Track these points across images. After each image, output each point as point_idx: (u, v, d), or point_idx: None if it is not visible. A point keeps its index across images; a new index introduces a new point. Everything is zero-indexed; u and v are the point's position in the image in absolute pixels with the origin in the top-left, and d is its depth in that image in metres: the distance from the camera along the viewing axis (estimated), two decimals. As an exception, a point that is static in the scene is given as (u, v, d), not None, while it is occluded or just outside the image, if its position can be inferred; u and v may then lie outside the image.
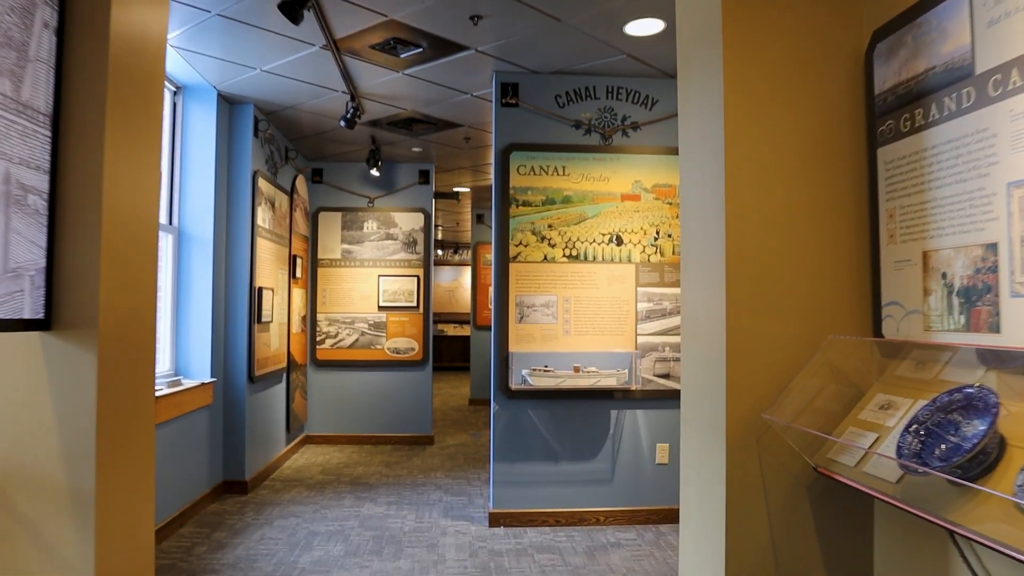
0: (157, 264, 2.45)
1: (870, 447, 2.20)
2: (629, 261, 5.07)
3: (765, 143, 2.50)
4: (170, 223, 5.49)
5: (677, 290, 5.10)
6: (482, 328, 11.47)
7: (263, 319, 6.14)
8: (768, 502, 2.55)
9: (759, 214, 2.50)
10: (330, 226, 8.12)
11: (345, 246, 8.12)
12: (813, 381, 2.56)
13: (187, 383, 5.19)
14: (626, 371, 4.91)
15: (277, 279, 6.69)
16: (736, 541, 2.46)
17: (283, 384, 7.09)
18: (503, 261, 4.97)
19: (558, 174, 5.04)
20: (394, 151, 7.63)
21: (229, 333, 5.86)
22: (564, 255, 5.01)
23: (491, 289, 4.97)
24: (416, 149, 7.55)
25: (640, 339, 5.06)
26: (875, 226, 2.50)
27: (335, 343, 8.05)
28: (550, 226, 5.01)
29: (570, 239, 5.02)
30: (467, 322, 15.44)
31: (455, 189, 9.53)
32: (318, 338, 8.04)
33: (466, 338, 15.26)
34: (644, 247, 5.09)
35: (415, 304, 8.12)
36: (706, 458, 2.64)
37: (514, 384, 4.85)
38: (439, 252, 17.32)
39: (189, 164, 5.58)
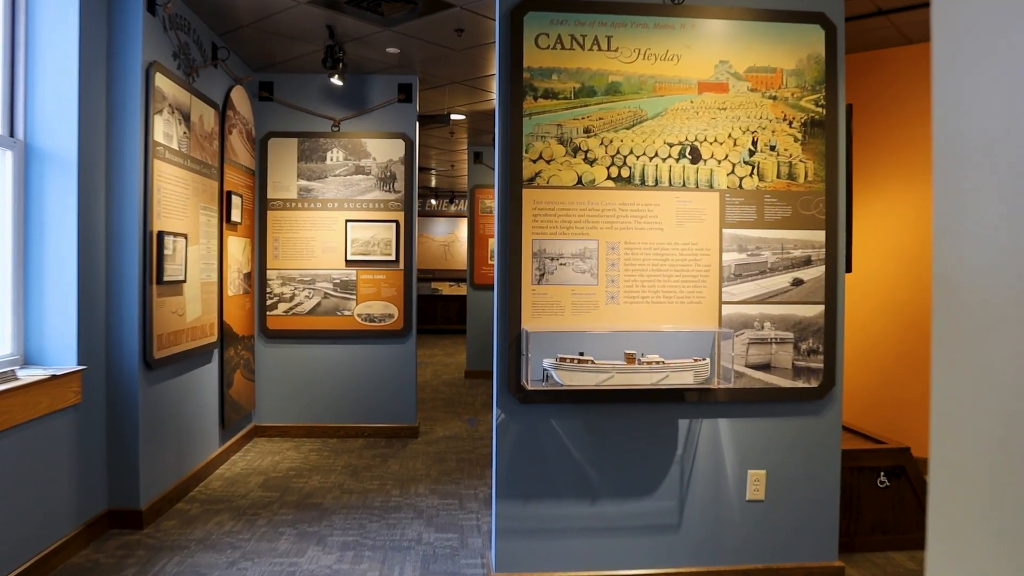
0: None
1: None
2: (710, 187, 3.23)
3: None
4: (10, 134, 3.63)
5: (784, 233, 3.27)
6: (480, 288, 9.66)
7: (168, 278, 4.31)
8: None
9: None
10: (283, 156, 6.25)
11: (303, 182, 6.25)
12: None
13: (28, 376, 3.39)
14: (706, 360, 3.10)
15: (197, 223, 4.84)
16: None
17: (213, 364, 5.28)
18: (513, 185, 3.13)
19: (600, 49, 3.18)
20: (363, 55, 5.72)
21: (112, 299, 4.04)
22: (609, 176, 3.17)
23: (493, 237, 3.11)
24: (392, 50, 5.64)
25: (726, 310, 3.24)
26: None
27: (291, 308, 6.23)
28: (587, 131, 3.16)
29: (619, 152, 3.18)
30: (464, 280, 13.64)
31: (450, 116, 7.63)
32: (268, 302, 6.22)
33: (464, 298, 13.45)
34: (734, 166, 3.24)
35: (393, 258, 6.28)
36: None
37: (530, 381, 3.04)
38: (432, 202, 15.43)
39: (40, 49, 3.70)
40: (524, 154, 3.13)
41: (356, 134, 6.28)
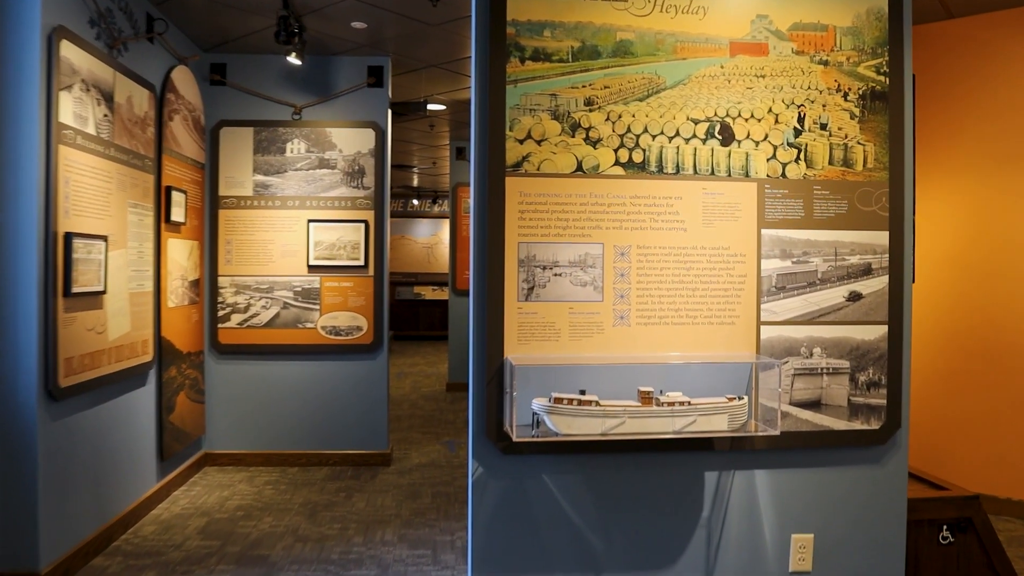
0: None
1: None
2: (746, 176, 2.53)
3: None
4: None
5: (838, 234, 2.58)
6: (463, 293, 8.97)
7: (80, 288, 3.57)
8: None
9: None
10: (237, 148, 5.51)
11: (259, 177, 5.52)
12: None
13: None
14: (743, 400, 2.40)
15: (125, 223, 4.11)
16: None
17: (149, 387, 4.54)
18: (493, 173, 2.42)
19: (605, -2, 2.48)
20: (326, 31, 5.00)
21: (3, 316, 3.30)
22: (618, 162, 2.47)
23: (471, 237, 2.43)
24: (358, 25, 4.92)
25: (765, 332, 2.54)
26: None
27: (245, 320, 5.49)
28: (589, 103, 2.45)
29: (630, 130, 2.47)
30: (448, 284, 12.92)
31: (427, 104, 6.90)
32: (220, 313, 5.48)
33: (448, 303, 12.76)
34: (775, 148, 2.55)
35: (362, 262, 5.55)
36: None
37: (515, 427, 2.32)
38: (415, 202, 14.70)
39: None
40: (507, 132, 2.41)
41: (320, 123, 5.56)
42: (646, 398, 2.32)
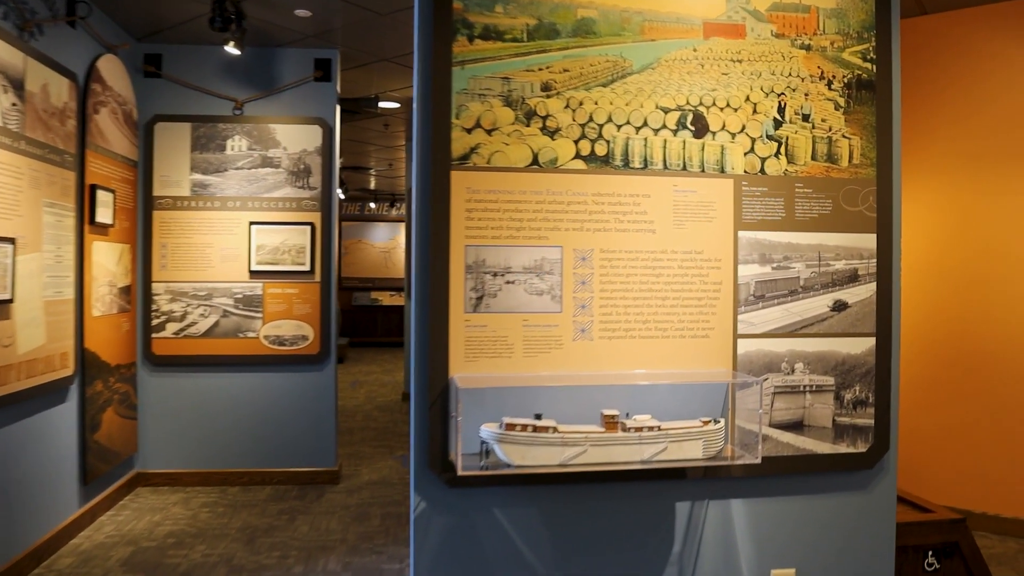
0: None
1: None
2: (721, 171, 2.27)
3: None
4: None
5: (822, 237, 2.33)
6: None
7: (-21, 297, 3.20)
8: None
9: None
10: (173, 144, 5.13)
11: (197, 176, 5.14)
12: None
13: None
14: (719, 424, 2.13)
15: (39, 224, 3.72)
16: None
17: (70, 404, 4.15)
18: (437, 166, 2.11)
19: (563, -29, 2.20)
20: (268, 19, 4.66)
21: None
22: (578, 155, 2.18)
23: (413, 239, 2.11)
24: (302, 13, 4.59)
25: (743, 345, 2.28)
26: None
27: (182, 329, 5.11)
28: (547, 88, 2.17)
29: (592, 119, 2.19)
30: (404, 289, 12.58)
31: (379, 101, 6.58)
32: (154, 322, 5.09)
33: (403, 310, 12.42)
34: (753, 141, 2.29)
35: (308, 267, 5.20)
36: None
37: (462, 456, 2.01)
38: (372, 205, 14.32)
39: None
40: (454, 120, 2.12)
41: (263, 118, 5.21)
42: (611, 423, 2.03)
